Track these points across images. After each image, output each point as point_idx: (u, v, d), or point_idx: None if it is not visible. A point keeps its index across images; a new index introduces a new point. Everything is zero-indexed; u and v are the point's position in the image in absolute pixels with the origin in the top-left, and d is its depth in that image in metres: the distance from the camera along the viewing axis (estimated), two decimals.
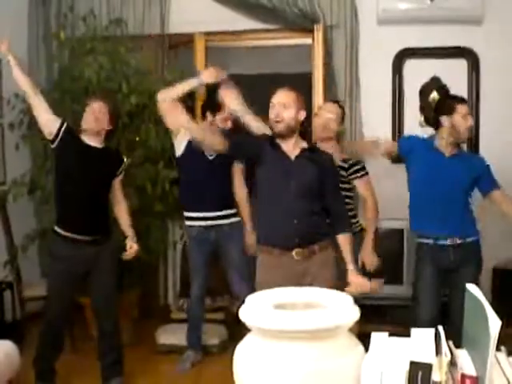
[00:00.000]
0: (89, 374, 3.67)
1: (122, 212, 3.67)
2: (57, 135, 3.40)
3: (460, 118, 3.34)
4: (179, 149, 3.90)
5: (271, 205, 2.95)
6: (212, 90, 3.85)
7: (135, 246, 3.62)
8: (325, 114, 3.71)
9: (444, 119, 3.38)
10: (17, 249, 4.37)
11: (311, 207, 2.95)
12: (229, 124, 3.92)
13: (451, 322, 3.19)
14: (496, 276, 4.22)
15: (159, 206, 4.50)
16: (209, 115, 3.98)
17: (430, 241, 3.35)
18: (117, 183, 3.63)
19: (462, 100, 3.45)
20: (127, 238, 3.62)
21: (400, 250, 4.24)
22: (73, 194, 3.41)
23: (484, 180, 3.43)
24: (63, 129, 3.40)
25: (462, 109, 3.36)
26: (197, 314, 4.09)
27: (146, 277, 4.79)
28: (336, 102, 3.96)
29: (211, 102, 3.90)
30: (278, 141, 2.99)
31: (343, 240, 3.04)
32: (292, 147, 2.99)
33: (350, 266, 2.98)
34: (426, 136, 3.59)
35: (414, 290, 3.48)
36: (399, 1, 4.51)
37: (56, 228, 3.46)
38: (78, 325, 4.33)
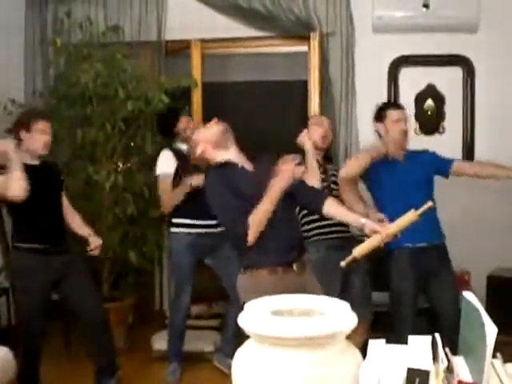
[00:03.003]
0: (85, 380, 3.65)
1: (74, 218, 3.64)
2: None
3: (391, 124, 3.37)
4: None
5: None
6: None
7: (97, 240, 3.58)
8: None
9: (378, 127, 3.42)
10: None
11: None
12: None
13: (445, 328, 3.17)
14: (491, 284, 4.23)
15: (155, 212, 4.49)
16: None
17: (409, 244, 3.25)
18: (63, 197, 3.60)
19: (394, 105, 3.48)
20: (89, 237, 3.58)
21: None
22: (30, 207, 3.30)
23: (440, 165, 3.42)
24: None
25: (392, 114, 3.39)
26: (183, 323, 4.02)
27: (141, 283, 4.79)
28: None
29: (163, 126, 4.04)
30: None
31: (332, 204, 2.75)
32: None
33: (362, 220, 2.63)
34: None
35: (395, 299, 3.38)
36: (395, 9, 4.53)
37: (17, 244, 3.44)
38: (73, 330, 4.32)
